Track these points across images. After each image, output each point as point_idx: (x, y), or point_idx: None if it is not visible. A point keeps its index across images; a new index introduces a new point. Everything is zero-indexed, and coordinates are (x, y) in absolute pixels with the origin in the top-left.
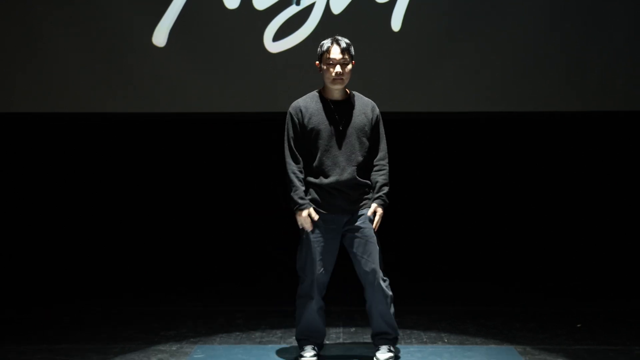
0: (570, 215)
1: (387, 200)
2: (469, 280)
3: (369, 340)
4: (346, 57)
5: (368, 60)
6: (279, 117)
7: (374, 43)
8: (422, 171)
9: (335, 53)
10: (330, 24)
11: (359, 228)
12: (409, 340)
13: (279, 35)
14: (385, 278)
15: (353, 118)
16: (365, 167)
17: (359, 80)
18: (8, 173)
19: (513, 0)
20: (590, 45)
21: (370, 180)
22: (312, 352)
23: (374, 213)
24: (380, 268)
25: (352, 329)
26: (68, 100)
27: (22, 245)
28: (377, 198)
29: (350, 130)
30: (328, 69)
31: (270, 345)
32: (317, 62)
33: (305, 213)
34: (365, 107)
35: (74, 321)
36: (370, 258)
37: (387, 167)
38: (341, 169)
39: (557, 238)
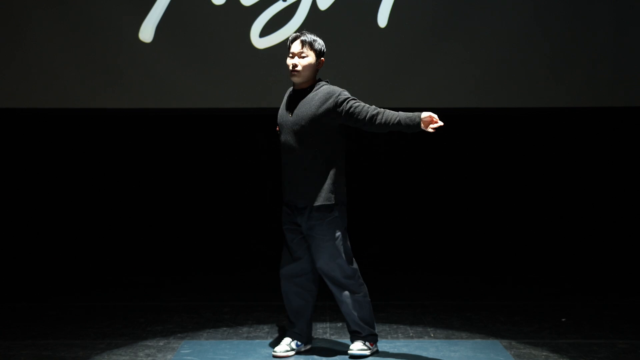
0: (557, 210)
1: (417, 116)
2: (454, 274)
3: None
4: (305, 50)
5: (354, 56)
6: (265, 113)
7: (360, 39)
8: (408, 166)
9: (295, 46)
10: (316, 20)
11: (311, 227)
12: (395, 335)
13: (265, 31)
14: (347, 277)
15: (304, 107)
16: (316, 158)
17: (344, 76)
18: None
19: None
20: (576, 41)
21: (324, 174)
22: (285, 347)
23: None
24: (341, 266)
25: (339, 324)
26: (55, 96)
27: (8, 241)
28: (418, 117)
29: (299, 118)
30: (288, 61)
31: (257, 341)
32: None
33: None
34: (324, 97)
35: (60, 316)
36: (322, 258)
37: (382, 110)
38: (290, 157)
39: (544, 233)
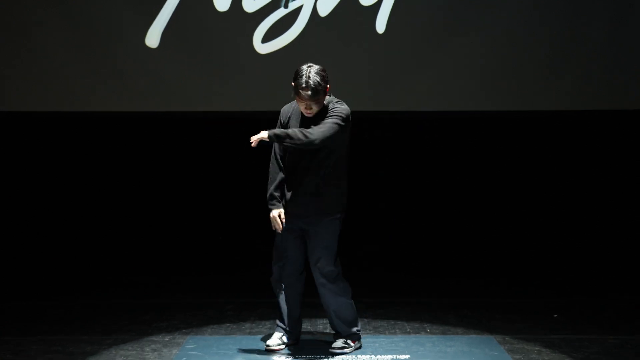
0: (551, 211)
1: (276, 134)
2: (451, 273)
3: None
4: (316, 98)
5: (353, 61)
6: (268, 116)
7: (359, 45)
8: (404, 168)
9: (306, 97)
10: (317, 26)
11: (314, 227)
12: (392, 331)
13: (268, 37)
14: (332, 275)
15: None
16: (330, 176)
17: (344, 81)
18: None
19: (495, 1)
20: (572, 44)
21: (337, 185)
22: (277, 340)
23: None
24: (330, 265)
25: None
26: (61, 99)
27: (18, 240)
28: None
29: None
30: (299, 102)
31: (260, 336)
32: (293, 83)
33: (274, 213)
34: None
35: (67, 314)
36: (324, 256)
37: (302, 134)
38: (301, 176)
39: (540, 234)
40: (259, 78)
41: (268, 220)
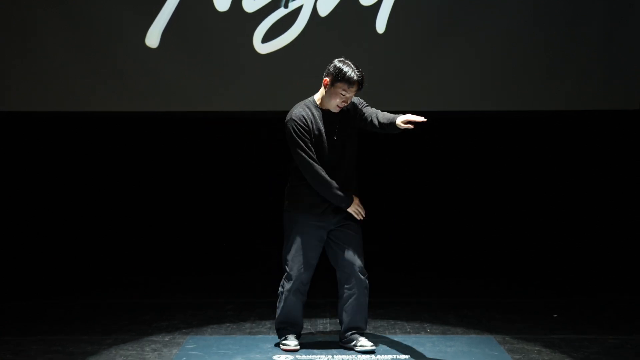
0: (551, 211)
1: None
2: (451, 273)
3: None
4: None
5: (353, 61)
6: (268, 116)
7: (359, 45)
8: (404, 168)
9: (355, 89)
10: (317, 26)
11: (346, 223)
12: (392, 331)
13: (268, 37)
14: (365, 268)
15: (344, 126)
16: (351, 170)
17: None
18: None
19: (495, 2)
20: (571, 46)
21: (356, 175)
22: (295, 341)
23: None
24: (362, 257)
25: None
26: (61, 99)
27: (18, 240)
28: (394, 118)
29: (341, 138)
30: (338, 97)
31: (259, 336)
32: (327, 79)
33: (357, 202)
34: (351, 111)
35: (67, 314)
36: (355, 250)
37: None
38: (337, 170)
39: (539, 234)
40: (259, 78)
41: (267, 220)
